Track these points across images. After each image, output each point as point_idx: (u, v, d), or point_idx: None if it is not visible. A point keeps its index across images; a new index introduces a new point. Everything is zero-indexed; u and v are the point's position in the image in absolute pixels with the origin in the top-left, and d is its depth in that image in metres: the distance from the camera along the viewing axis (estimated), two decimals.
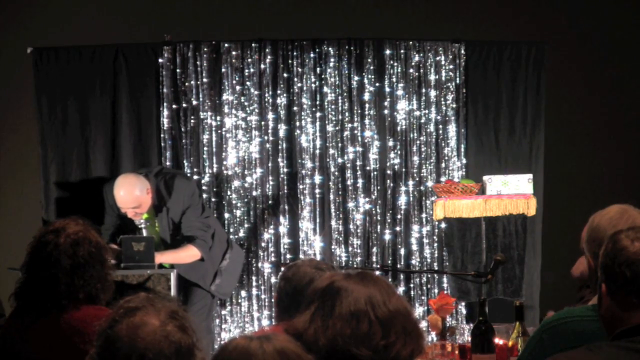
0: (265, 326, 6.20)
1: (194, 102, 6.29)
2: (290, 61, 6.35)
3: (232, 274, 5.83)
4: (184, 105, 6.29)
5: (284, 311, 3.26)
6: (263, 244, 6.32)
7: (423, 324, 5.52)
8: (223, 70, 6.31)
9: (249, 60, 6.33)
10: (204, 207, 5.70)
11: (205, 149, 6.30)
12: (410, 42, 6.45)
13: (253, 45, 6.33)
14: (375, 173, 6.40)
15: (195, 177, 6.21)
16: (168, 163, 6.21)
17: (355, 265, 6.26)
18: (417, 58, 6.44)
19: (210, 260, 5.57)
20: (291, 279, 3.28)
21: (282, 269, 6.16)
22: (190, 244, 5.40)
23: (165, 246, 5.51)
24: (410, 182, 6.42)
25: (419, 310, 6.28)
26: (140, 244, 5.10)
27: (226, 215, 6.30)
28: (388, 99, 6.42)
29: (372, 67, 6.40)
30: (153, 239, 5.22)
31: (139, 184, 5.35)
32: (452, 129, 6.45)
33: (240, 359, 1.95)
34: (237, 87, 6.32)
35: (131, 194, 5.31)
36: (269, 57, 6.33)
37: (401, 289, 6.30)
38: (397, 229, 6.39)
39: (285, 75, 6.35)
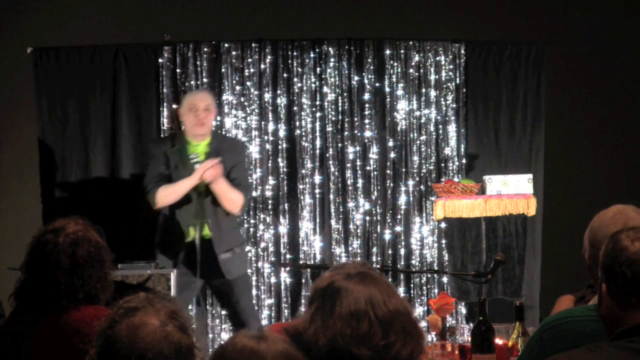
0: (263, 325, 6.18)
1: None
2: (290, 61, 6.35)
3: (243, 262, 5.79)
4: None
5: None
6: (263, 244, 6.32)
7: (423, 324, 5.51)
8: (223, 70, 6.30)
9: (249, 60, 6.32)
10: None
11: None
12: (410, 42, 6.45)
13: (253, 45, 6.33)
14: (375, 173, 6.39)
15: None
16: None
17: None
18: (417, 58, 6.44)
19: (238, 228, 5.72)
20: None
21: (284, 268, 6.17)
22: (239, 190, 5.41)
23: (210, 194, 5.42)
24: (410, 182, 6.42)
25: (419, 310, 6.28)
26: None
27: None
28: (388, 99, 6.41)
29: (372, 67, 6.39)
30: None
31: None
32: (452, 129, 6.45)
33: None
34: (237, 87, 6.32)
35: (208, 95, 5.59)
36: (269, 57, 6.33)
37: (401, 289, 6.29)
38: (397, 229, 6.39)
39: (285, 75, 6.34)
